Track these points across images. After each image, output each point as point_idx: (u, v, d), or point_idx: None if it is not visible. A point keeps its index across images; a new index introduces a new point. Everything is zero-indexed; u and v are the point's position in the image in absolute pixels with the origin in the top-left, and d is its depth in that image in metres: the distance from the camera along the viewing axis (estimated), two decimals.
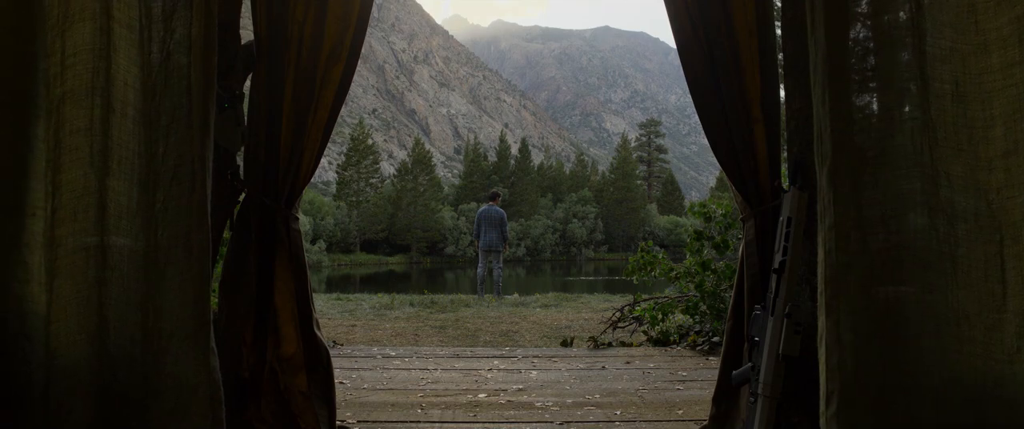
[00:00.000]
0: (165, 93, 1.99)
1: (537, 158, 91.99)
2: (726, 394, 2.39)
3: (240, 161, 2.34)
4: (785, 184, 2.33)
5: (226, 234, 2.34)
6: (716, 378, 3.54)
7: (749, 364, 2.15)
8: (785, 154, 2.43)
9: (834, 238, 1.86)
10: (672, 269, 5.60)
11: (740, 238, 5.15)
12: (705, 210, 5.18)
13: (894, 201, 1.87)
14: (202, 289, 1.96)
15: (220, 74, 2.12)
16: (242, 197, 2.31)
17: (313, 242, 51.91)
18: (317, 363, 2.33)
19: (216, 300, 2.26)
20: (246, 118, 2.32)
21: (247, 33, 2.36)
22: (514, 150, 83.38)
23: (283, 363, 2.31)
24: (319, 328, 2.38)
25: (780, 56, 2.50)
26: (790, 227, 2.10)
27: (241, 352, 2.30)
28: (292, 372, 2.31)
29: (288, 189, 2.32)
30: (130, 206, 1.97)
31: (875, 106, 1.95)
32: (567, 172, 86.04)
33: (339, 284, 27.85)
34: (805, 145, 2.24)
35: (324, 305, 9.02)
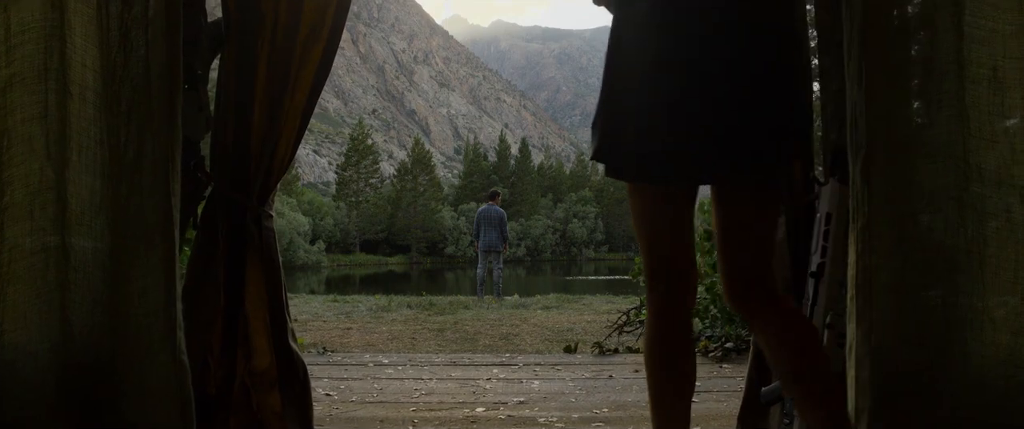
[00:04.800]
0: (125, 75, 1.77)
1: (537, 158, 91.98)
2: (753, 412, 2.14)
3: (206, 151, 2.08)
4: (820, 175, 2.08)
5: (190, 233, 2.08)
6: (732, 388, 3.29)
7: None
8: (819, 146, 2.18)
9: (867, 239, 1.69)
10: None
11: None
12: None
13: (929, 197, 1.70)
14: (168, 293, 1.76)
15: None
16: (208, 191, 2.05)
17: (313, 242, 51.77)
18: (293, 379, 2.07)
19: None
20: (213, 103, 2.07)
21: (217, 16, 2.12)
22: (514, 150, 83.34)
23: (255, 378, 2.06)
24: (295, 339, 2.12)
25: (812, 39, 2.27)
26: (830, 225, 1.85)
27: (208, 365, 2.05)
28: (265, 388, 2.06)
29: (260, 182, 2.06)
30: (93, 201, 1.77)
31: (914, 91, 1.76)
32: (567, 172, 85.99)
33: (339, 285, 27.67)
34: (845, 132, 2.00)
35: (320, 307, 8.78)
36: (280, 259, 2.11)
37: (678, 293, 1.59)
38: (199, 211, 2.06)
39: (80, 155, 1.74)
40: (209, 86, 2.09)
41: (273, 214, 2.13)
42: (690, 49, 1.51)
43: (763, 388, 1.99)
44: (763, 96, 1.52)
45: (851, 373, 1.70)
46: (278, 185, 2.14)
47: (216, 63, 2.13)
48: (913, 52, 1.75)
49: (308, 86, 2.11)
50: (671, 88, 1.50)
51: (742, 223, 1.59)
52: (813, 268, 1.86)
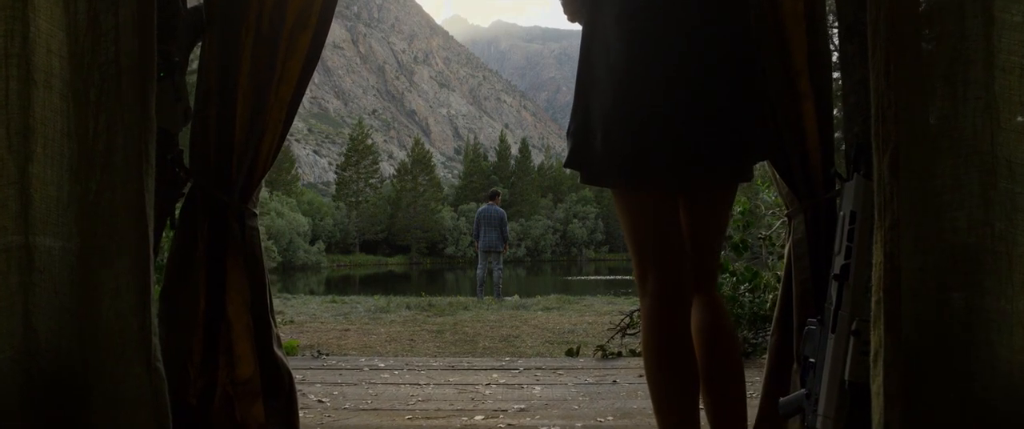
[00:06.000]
0: (93, 62, 1.64)
1: (537, 158, 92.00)
2: (770, 424, 2.01)
3: (186, 145, 1.95)
4: (841, 170, 1.95)
5: (168, 233, 1.95)
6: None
7: (803, 391, 1.76)
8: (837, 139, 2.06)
9: (897, 238, 1.57)
10: None
11: (760, 237, 4.78)
12: None
13: (954, 193, 1.60)
14: (142, 296, 1.63)
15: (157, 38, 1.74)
16: (187, 188, 1.92)
17: (312, 243, 51.67)
18: (278, 388, 1.94)
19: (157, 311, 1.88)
20: (193, 95, 1.94)
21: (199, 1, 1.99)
22: (514, 150, 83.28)
23: (238, 387, 1.93)
24: (280, 345, 1.99)
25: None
26: (854, 223, 1.72)
27: (188, 373, 1.92)
28: (249, 398, 1.93)
29: (243, 179, 1.93)
30: (60, 198, 1.64)
31: (940, 81, 1.65)
32: (567, 172, 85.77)
33: (338, 285, 27.53)
34: (868, 124, 1.88)
35: (318, 308, 8.67)
36: (264, 260, 1.97)
37: (666, 293, 1.61)
38: (178, 209, 1.93)
39: (45, 148, 1.60)
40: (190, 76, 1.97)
41: (257, 213, 2.00)
42: (657, 59, 1.56)
43: (781, 399, 1.86)
44: (732, 103, 1.59)
45: (878, 381, 1.58)
46: (263, 182, 2.01)
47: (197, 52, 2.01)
48: (940, 40, 1.65)
49: (295, 77, 1.99)
50: (641, 98, 1.56)
51: (708, 224, 1.73)
52: (836, 270, 1.72)
